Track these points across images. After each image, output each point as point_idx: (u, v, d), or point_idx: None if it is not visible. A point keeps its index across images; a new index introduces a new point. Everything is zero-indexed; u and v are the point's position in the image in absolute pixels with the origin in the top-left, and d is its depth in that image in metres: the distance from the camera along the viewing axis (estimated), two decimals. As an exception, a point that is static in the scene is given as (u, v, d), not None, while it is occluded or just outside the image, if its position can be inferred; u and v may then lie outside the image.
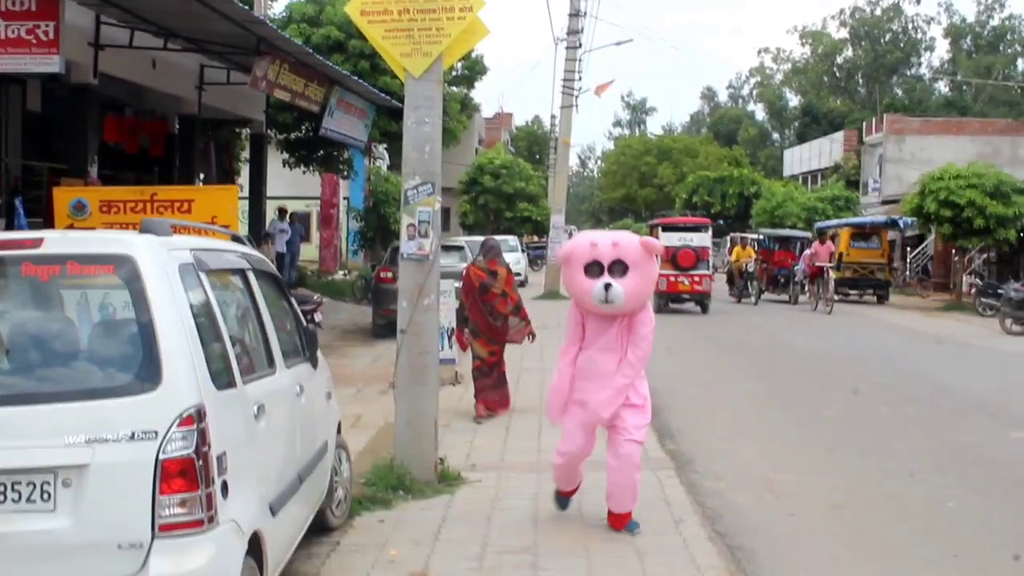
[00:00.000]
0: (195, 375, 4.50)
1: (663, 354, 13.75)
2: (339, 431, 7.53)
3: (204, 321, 4.79)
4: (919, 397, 14.21)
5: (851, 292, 33.73)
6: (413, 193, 8.46)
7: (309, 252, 34.71)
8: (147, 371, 4.42)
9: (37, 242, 4.72)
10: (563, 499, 7.71)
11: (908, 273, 43.41)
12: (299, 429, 6.07)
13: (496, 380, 11.96)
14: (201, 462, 4.36)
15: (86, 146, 15.80)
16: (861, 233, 35.39)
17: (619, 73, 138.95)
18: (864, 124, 57.12)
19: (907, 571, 7.05)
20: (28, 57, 12.07)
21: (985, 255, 36.44)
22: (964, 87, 77.42)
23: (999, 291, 26.67)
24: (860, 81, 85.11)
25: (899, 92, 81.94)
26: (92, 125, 16.32)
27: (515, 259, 32.83)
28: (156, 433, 4.30)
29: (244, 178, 25.67)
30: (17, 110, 17.48)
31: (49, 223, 12.50)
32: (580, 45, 33.77)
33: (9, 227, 14.00)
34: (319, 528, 6.91)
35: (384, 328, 18.06)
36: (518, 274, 25.18)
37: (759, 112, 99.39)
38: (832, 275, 29.35)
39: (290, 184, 31.47)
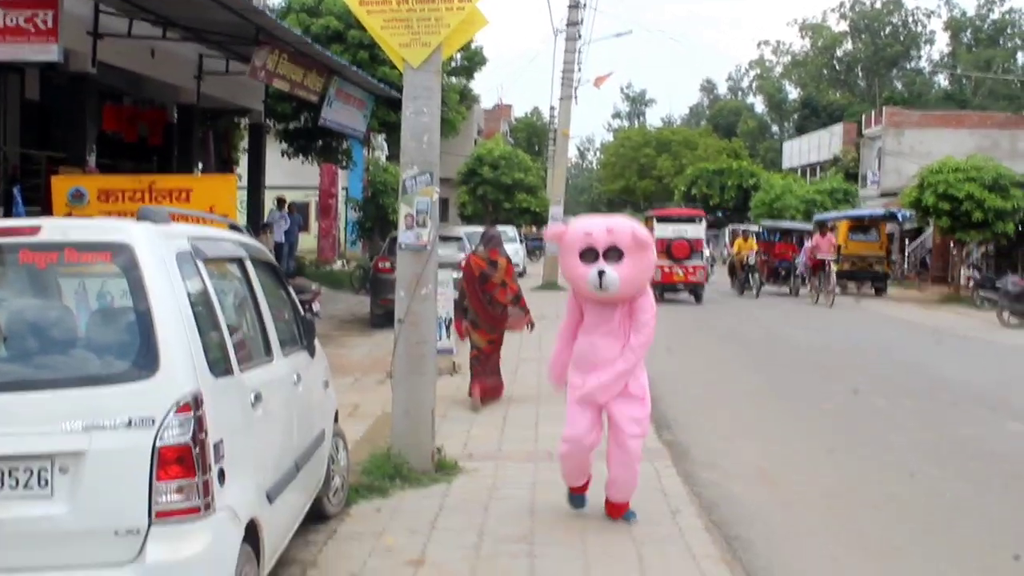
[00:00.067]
0: (192, 363, 4.51)
1: (663, 353, 13.77)
2: (336, 420, 7.56)
3: (201, 309, 4.80)
4: (918, 390, 14.22)
5: (849, 283, 33.75)
6: (411, 183, 8.46)
7: (307, 242, 34.71)
8: (144, 358, 4.43)
9: (35, 229, 4.72)
10: (576, 496, 7.54)
11: (906, 266, 43.42)
12: (296, 417, 6.08)
13: (492, 368, 12.02)
14: (198, 449, 4.37)
15: (84, 135, 15.79)
16: (860, 226, 35.41)
17: (618, 65, 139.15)
18: (863, 117, 57.08)
19: (903, 564, 7.07)
20: (27, 46, 12.06)
21: (983, 248, 36.43)
22: (964, 80, 77.39)
23: (997, 284, 26.68)
24: (860, 74, 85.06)
25: (899, 86, 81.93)
26: (91, 114, 16.31)
27: (514, 250, 32.84)
28: (153, 420, 4.31)
29: (243, 168, 25.67)
30: (16, 99, 17.47)
31: (47, 211, 12.52)
32: (579, 36, 33.75)
33: (7, 216, 14.00)
34: (316, 516, 6.92)
35: (382, 318, 18.07)
36: (516, 264, 25.21)
37: (759, 104, 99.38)
38: (834, 268, 29.39)
39: (289, 174, 31.46)
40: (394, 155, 32.68)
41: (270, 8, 23.92)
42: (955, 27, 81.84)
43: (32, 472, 4.29)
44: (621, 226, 7.11)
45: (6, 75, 16.61)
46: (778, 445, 10.59)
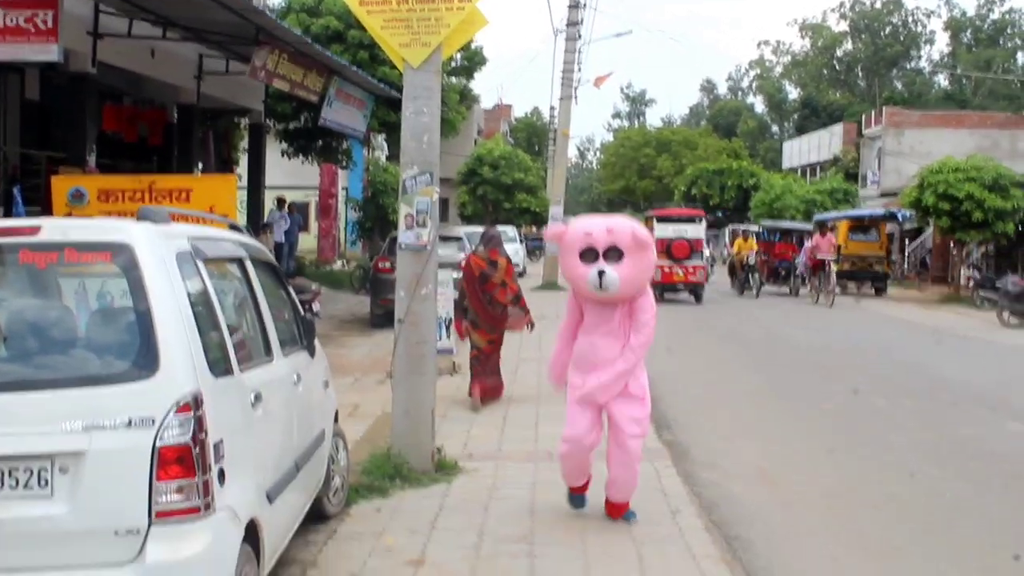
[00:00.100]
0: (192, 363, 4.52)
1: (663, 353, 13.77)
2: (336, 420, 7.55)
3: (201, 309, 4.80)
4: (918, 390, 14.22)
5: (849, 283, 33.75)
6: (411, 183, 8.46)
7: (307, 242, 34.72)
8: (144, 358, 4.43)
9: (35, 229, 4.72)
10: (576, 497, 7.52)
11: (906, 266, 43.43)
12: (296, 417, 6.08)
13: (492, 368, 12.03)
14: (198, 449, 4.37)
15: (84, 135, 15.80)
16: (859, 226, 35.41)
17: (618, 65, 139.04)
18: (863, 117, 57.07)
19: (903, 564, 7.06)
20: (27, 46, 12.06)
21: (983, 248, 36.43)
22: (964, 81, 77.38)
23: (997, 284, 26.68)
24: (860, 74, 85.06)
25: (899, 86, 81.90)
26: (91, 114, 16.31)
27: (513, 250, 32.85)
28: (153, 420, 4.31)
29: (243, 168, 25.67)
30: (16, 99, 17.48)
31: (47, 212, 12.51)
32: (579, 36, 33.77)
33: (7, 216, 14.00)
34: (316, 516, 6.93)
35: (382, 318, 18.07)
36: (516, 264, 25.20)
37: (758, 104, 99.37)
38: (834, 268, 29.39)
39: (289, 174, 31.46)
40: (394, 155, 32.69)
41: (270, 8, 23.92)
42: (955, 27, 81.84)
43: (32, 472, 4.29)
44: (621, 226, 7.09)
45: (6, 75, 16.61)
46: (778, 445, 10.58)
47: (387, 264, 17.88)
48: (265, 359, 5.70)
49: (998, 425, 11.89)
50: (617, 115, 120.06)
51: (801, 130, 76.26)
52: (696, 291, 28.62)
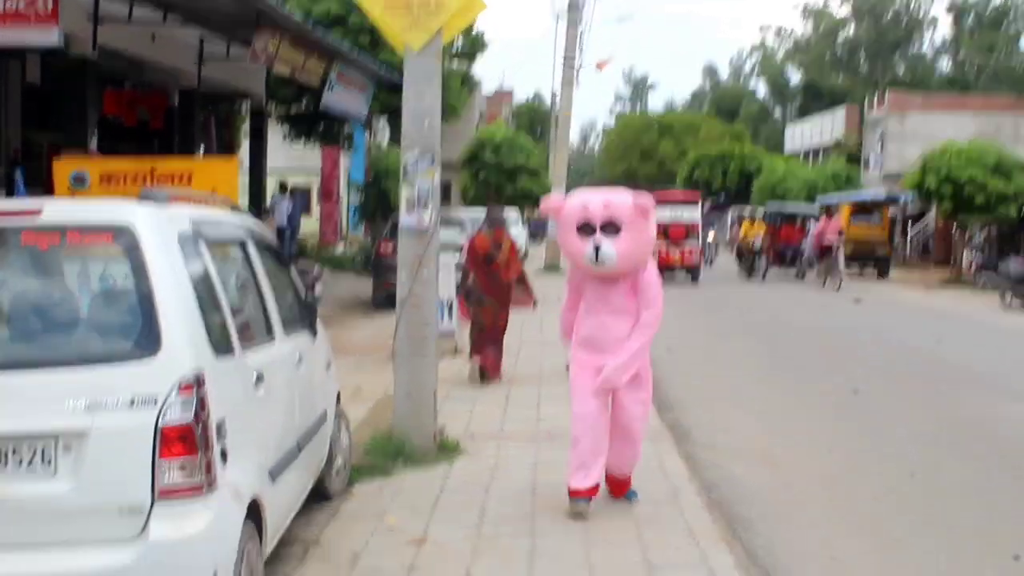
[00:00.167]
0: (194, 342, 4.55)
1: (666, 335, 13.76)
2: (338, 401, 7.58)
3: (203, 289, 4.82)
4: (921, 372, 14.26)
5: (852, 266, 33.72)
6: (412, 165, 8.48)
7: (309, 225, 34.74)
8: (146, 338, 4.46)
9: (36, 211, 4.74)
10: (579, 500, 6.95)
11: (909, 250, 43.39)
12: (298, 397, 6.12)
13: (496, 347, 12.07)
14: (200, 428, 4.40)
15: (86, 119, 15.78)
16: (862, 209, 35.38)
17: (620, 49, 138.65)
18: (866, 100, 56.92)
19: (903, 543, 7.10)
20: (27, 31, 12.03)
21: (986, 231, 36.42)
22: (966, 65, 77.08)
23: (999, 267, 26.69)
24: (862, 58, 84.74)
25: (900, 71, 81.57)
26: (92, 98, 16.28)
27: (516, 233, 32.86)
28: (156, 399, 4.34)
29: (244, 152, 25.64)
30: (17, 83, 17.45)
31: (49, 195, 12.52)
32: (581, 21, 33.77)
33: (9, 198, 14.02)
34: (318, 495, 6.97)
35: (384, 300, 18.15)
36: (519, 249, 25.20)
37: (761, 89, 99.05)
38: (842, 253, 29.38)
39: (290, 158, 31.46)
40: (396, 139, 32.64)
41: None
42: (957, 11, 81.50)
43: (36, 450, 4.32)
44: (619, 199, 6.99)
45: (7, 60, 16.58)
46: (780, 426, 10.62)
47: (389, 247, 17.91)
48: (267, 340, 5.73)
49: (1002, 408, 11.89)
50: (619, 99, 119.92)
51: (803, 114, 76.04)
52: (693, 272, 29.87)
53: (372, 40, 23.25)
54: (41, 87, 17.73)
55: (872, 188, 43.80)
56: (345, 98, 20.64)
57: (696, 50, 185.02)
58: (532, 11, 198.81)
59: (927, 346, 16.91)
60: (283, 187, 28.23)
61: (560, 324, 7.54)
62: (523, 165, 48.98)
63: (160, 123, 21.01)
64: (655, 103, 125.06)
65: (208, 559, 4.42)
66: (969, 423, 10.90)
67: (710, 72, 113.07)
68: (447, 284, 13.05)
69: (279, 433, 5.62)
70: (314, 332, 6.86)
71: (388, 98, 24.32)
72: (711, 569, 6.05)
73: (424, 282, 8.47)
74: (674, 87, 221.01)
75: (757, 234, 32.82)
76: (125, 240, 4.61)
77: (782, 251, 34.10)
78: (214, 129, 24.20)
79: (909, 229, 44.61)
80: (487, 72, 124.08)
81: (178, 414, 4.35)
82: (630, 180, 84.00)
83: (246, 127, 25.88)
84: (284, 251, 8.67)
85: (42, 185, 14.16)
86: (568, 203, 7.21)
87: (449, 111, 29.75)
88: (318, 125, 26.44)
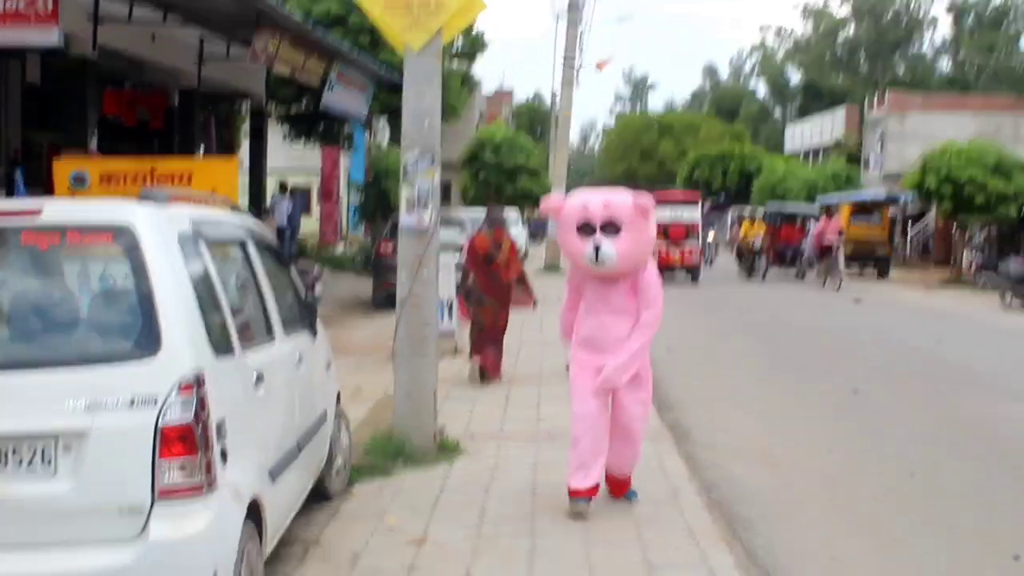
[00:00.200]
0: (194, 342, 4.55)
1: (666, 335, 13.76)
2: (338, 401, 7.58)
3: (203, 289, 4.82)
4: (921, 372, 14.26)
5: (852, 266, 33.72)
6: (412, 165, 8.48)
7: (309, 225, 34.75)
8: (146, 338, 4.46)
9: (36, 211, 4.74)
10: (579, 500, 6.95)
11: (909, 250, 43.38)
12: (298, 397, 6.12)
13: (495, 346, 12.07)
14: (200, 428, 4.40)
15: (86, 119, 15.78)
16: (862, 209, 35.38)
17: (620, 49, 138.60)
18: (866, 100, 56.91)
19: (903, 543, 7.10)
20: (27, 30, 12.02)
21: (986, 231, 36.43)
22: (966, 65, 77.06)
23: (999, 267, 26.69)
24: (862, 58, 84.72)
25: (900, 71, 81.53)
26: (92, 98, 16.28)
27: (516, 233, 32.88)
28: (155, 399, 4.34)
29: (244, 152, 25.64)
30: (17, 83, 17.45)
31: (49, 195, 12.51)
32: (581, 21, 33.80)
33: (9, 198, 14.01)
34: (319, 495, 6.97)
35: (384, 300, 18.16)
36: (519, 249, 25.21)
37: (761, 89, 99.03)
38: (842, 253, 29.39)
39: (290, 158, 31.46)
40: (397, 139, 32.64)
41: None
42: (957, 11, 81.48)
43: (36, 450, 4.32)
44: (619, 199, 6.99)
45: (7, 60, 16.58)
46: (780, 427, 10.62)
47: (389, 247, 17.92)
48: (267, 340, 5.73)
49: (1001, 407, 11.89)
50: (619, 99, 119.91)
51: (803, 114, 76.03)
52: (693, 272, 29.90)
53: (372, 40, 23.24)
54: (41, 87, 17.73)
55: (872, 188, 43.81)
56: (345, 98, 20.64)
57: (696, 50, 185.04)
58: (532, 11, 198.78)
59: (927, 346, 16.91)
60: (283, 187, 28.22)
61: (560, 324, 7.54)
62: (523, 165, 48.99)
63: (160, 123, 21.01)
64: (655, 103, 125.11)
65: (208, 559, 4.42)
66: (969, 423, 10.90)
67: (710, 72, 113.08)
68: (447, 284, 13.05)
69: (279, 433, 5.62)
70: (314, 332, 6.86)
71: (388, 98, 24.32)
72: (711, 569, 6.05)
73: (424, 282, 8.47)
74: (674, 87, 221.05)
75: (757, 234, 32.84)
76: (125, 240, 4.61)
77: (782, 251, 34.11)
78: (214, 129, 24.20)
79: (909, 229, 44.61)
80: (487, 72, 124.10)
81: (178, 414, 4.35)
82: (630, 180, 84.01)
83: (246, 127, 25.88)
84: (284, 251, 8.67)
85: (42, 185, 14.16)
86: (568, 203, 7.21)
87: (449, 111, 29.76)
88: (318, 125, 26.44)
